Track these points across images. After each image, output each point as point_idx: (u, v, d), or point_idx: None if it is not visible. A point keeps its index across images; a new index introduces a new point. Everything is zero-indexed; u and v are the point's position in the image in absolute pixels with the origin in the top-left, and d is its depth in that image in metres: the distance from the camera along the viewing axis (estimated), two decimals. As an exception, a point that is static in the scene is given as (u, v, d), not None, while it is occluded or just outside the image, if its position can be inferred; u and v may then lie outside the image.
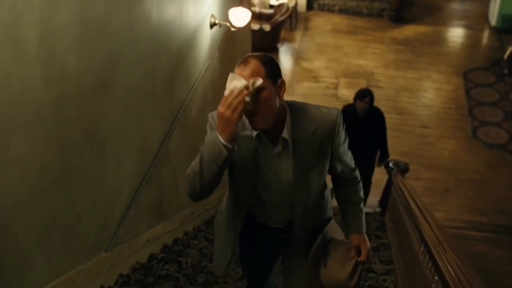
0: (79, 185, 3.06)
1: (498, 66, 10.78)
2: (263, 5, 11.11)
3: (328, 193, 2.50)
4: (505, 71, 10.56)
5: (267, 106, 2.01)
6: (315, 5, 12.97)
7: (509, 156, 8.67)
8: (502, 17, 11.86)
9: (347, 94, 9.64)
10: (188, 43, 4.84)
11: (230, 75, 1.99)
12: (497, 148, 8.81)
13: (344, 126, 2.26)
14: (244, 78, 1.97)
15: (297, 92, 9.60)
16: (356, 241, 2.42)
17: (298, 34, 11.94)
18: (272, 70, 2.04)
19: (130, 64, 3.57)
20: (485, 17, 12.61)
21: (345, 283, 2.35)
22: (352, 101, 5.98)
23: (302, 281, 2.55)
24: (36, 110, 2.54)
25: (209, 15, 5.40)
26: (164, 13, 4.09)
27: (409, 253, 3.99)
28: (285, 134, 2.15)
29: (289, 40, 11.65)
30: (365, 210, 2.58)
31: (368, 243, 2.43)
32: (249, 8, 6.94)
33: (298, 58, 11.00)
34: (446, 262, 2.75)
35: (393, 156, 6.55)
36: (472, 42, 12.05)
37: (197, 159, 2.04)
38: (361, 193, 2.50)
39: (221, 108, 1.91)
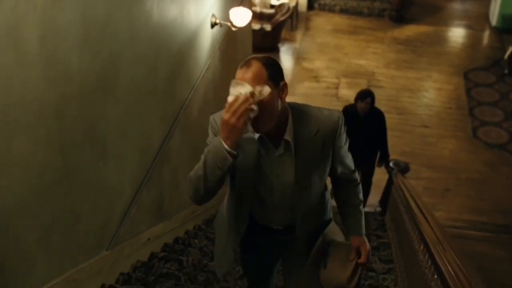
0: (80, 185, 3.07)
1: (499, 66, 10.80)
2: (264, 5, 11.12)
3: (328, 194, 2.50)
4: (506, 71, 10.57)
5: (269, 109, 2.00)
6: (316, 5, 12.98)
7: (509, 156, 8.68)
8: (503, 17, 11.87)
9: (348, 94, 9.66)
10: (189, 43, 4.86)
11: (233, 81, 1.98)
12: (497, 148, 8.82)
13: (346, 128, 2.26)
14: (246, 80, 1.97)
15: (298, 92, 9.61)
16: (356, 243, 2.43)
17: (299, 34, 11.95)
18: (274, 73, 2.03)
19: (131, 64, 3.58)
20: (485, 17, 12.62)
21: (345, 285, 2.36)
22: (353, 101, 5.99)
23: (303, 282, 2.56)
24: (37, 110, 2.55)
25: (210, 14, 5.41)
26: (165, 12, 4.10)
27: (409, 252, 4.00)
28: (287, 136, 2.14)
29: (290, 40, 11.66)
30: (366, 209, 2.59)
31: (368, 245, 2.44)
32: (250, 8, 6.95)
33: (299, 58, 11.01)
34: (445, 261, 2.76)
35: (393, 155, 6.56)
36: (472, 42, 12.06)
37: (200, 163, 2.03)
38: (361, 195, 2.50)
39: (226, 115, 1.90)
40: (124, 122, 3.56)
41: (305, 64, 10.74)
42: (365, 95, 5.86)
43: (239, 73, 2.03)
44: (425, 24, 12.44)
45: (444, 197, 7.78)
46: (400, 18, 12.45)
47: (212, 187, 2.05)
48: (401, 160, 6.41)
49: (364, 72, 10.69)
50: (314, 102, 2.31)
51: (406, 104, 9.84)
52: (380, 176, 6.58)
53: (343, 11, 12.83)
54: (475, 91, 10.17)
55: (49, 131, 2.68)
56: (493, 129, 9.22)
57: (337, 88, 10.15)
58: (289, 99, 2.17)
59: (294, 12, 11.73)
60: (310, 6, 12.90)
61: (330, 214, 2.55)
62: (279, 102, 2.05)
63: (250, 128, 2.02)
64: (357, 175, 2.47)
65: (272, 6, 11.25)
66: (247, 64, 2.03)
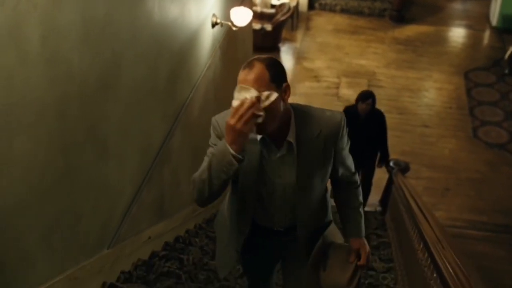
0: (81, 184, 3.08)
1: (499, 66, 10.81)
2: (265, 5, 11.14)
3: (328, 196, 2.51)
4: (506, 71, 10.59)
5: (271, 111, 1.99)
6: (316, 4, 13.00)
7: (509, 156, 8.69)
8: (503, 17, 11.88)
9: (349, 93, 9.68)
10: (190, 43, 4.87)
11: (238, 85, 1.97)
12: (497, 147, 8.83)
13: (348, 129, 2.26)
14: (249, 82, 1.96)
15: (298, 91, 9.63)
16: (355, 245, 2.43)
17: (299, 34, 11.97)
18: (277, 74, 2.02)
19: (132, 63, 3.59)
20: (486, 17, 12.63)
21: (345, 286, 2.36)
22: (353, 102, 5.99)
23: (302, 283, 2.56)
24: (38, 110, 2.55)
25: (211, 14, 5.43)
26: (166, 12, 4.12)
27: (409, 251, 4.02)
28: (290, 137, 2.14)
29: (291, 39, 11.68)
30: (366, 209, 2.59)
31: (367, 247, 2.44)
32: (251, 8, 6.97)
33: (299, 57, 11.02)
34: (444, 259, 2.78)
35: (394, 155, 6.58)
36: (473, 42, 12.07)
37: (204, 167, 2.03)
38: (361, 198, 2.50)
39: (232, 120, 1.89)
40: (125, 122, 3.57)
41: (306, 64, 10.75)
42: (366, 96, 5.85)
43: (242, 74, 2.01)
44: (426, 24, 12.46)
45: (444, 197, 7.80)
46: (400, 18, 12.47)
47: (216, 190, 2.05)
48: (401, 160, 6.43)
49: (364, 72, 10.70)
50: (314, 102, 2.32)
51: (407, 104, 9.86)
52: (380, 175, 6.59)
53: (344, 11, 12.85)
54: (476, 91, 10.18)
55: (50, 130, 2.68)
56: (493, 129, 9.24)
57: (337, 87, 10.17)
58: (289, 99, 2.16)
59: (294, 12, 11.74)
60: (310, 6, 12.92)
61: (330, 215, 2.55)
62: (282, 103, 2.04)
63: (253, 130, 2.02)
64: (357, 178, 2.48)
65: (272, 6, 11.27)
66: (249, 65, 2.01)
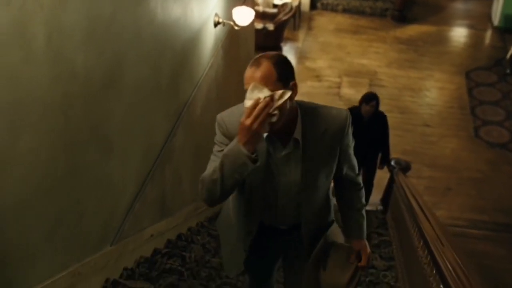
0: (85, 182, 3.10)
1: (501, 65, 10.83)
2: (267, 5, 11.16)
3: (331, 195, 2.49)
4: (507, 71, 10.60)
5: (280, 109, 1.97)
6: (318, 4, 13.02)
7: (510, 155, 8.71)
8: (505, 17, 11.88)
9: (350, 93, 9.72)
10: (192, 42, 4.90)
11: (252, 85, 1.93)
12: (498, 147, 8.85)
13: (352, 128, 2.26)
14: (255, 80, 1.94)
15: (300, 91, 9.33)
16: (357, 246, 2.45)
17: (301, 34, 11.99)
18: (284, 73, 2.00)
19: (135, 63, 3.62)
20: (488, 17, 12.64)
21: (344, 287, 2.37)
22: (355, 101, 5.99)
23: (303, 283, 2.56)
24: (43, 109, 2.57)
25: (213, 14, 5.45)
26: (168, 12, 4.14)
27: (409, 249, 4.05)
28: (297, 134, 2.13)
29: (293, 39, 11.70)
30: (367, 208, 2.60)
31: (368, 249, 2.45)
32: (253, 7, 7.00)
33: (301, 57, 11.04)
34: (444, 256, 2.81)
35: (395, 154, 6.60)
36: (474, 41, 12.09)
37: (215, 167, 2.00)
38: (363, 199, 2.49)
39: (248, 121, 1.87)
40: (128, 121, 3.60)
41: (308, 64, 10.78)
42: (370, 98, 5.85)
43: (249, 72, 1.99)
44: (427, 23, 12.47)
45: (446, 196, 7.82)
46: (402, 17, 12.48)
47: (228, 189, 2.05)
48: (402, 159, 6.46)
49: (366, 71, 10.73)
50: (316, 101, 2.34)
51: (408, 103, 9.88)
52: (381, 175, 6.61)
53: (346, 10, 12.87)
54: (477, 90, 10.20)
55: (54, 129, 2.70)
56: (494, 128, 9.25)
57: (339, 87, 10.19)
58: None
59: (296, 12, 11.76)
60: (312, 6, 12.93)
61: (333, 214, 2.54)
62: (288, 102, 2.01)
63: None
64: (360, 179, 2.47)
65: (275, 6, 11.29)
66: (256, 63, 1.99)
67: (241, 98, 2.19)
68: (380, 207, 6.88)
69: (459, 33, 12.43)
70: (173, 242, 4.62)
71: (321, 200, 2.37)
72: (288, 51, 11.31)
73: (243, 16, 5.77)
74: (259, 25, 10.24)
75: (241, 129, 1.90)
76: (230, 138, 2.08)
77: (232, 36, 6.44)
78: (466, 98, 10.00)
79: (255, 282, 2.89)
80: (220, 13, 5.61)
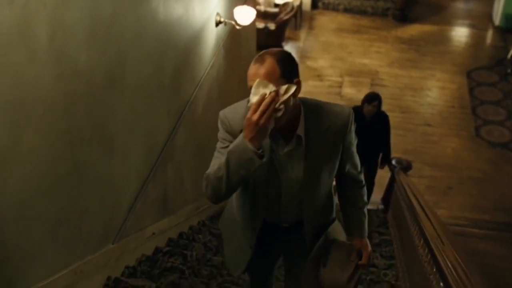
0: (87, 180, 3.12)
1: (502, 65, 10.82)
2: (268, 4, 11.17)
3: (333, 193, 2.49)
4: (509, 70, 10.60)
5: (285, 105, 1.96)
6: (320, 4, 13.03)
7: (511, 155, 8.71)
8: (506, 16, 11.88)
9: (351, 92, 9.73)
10: (194, 41, 4.92)
11: (257, 81, 1.92)
12: (500, 146, 8.86)
13: (355, 125, 2.26)
14: (259, 77, 1.93)
15: (301, 90, 9.63)
16: (358, 244, 2.44)
17: (302, 33, 12.00)
18: (288, 69, 2.00)
19: (138, 62, 3.64)
20: (489, 16, 12.64)
21: (345, 285, 2.36)
22: (356, 101, 5.98)
23: (303, 280, 2.55)
24: (46, 107, 2.59)
25: (215, 13, 5.47)
26: (170, 11, 4.16)
27: (410, 248, 4.06)
28: (300, 131, 2.13)
29: (294, 38, 11.71)
30: (368, 207, 2.59)
31: (369, 247, 2.45)
32: (254, 7, 7.01)
33: (302, 56, 11.05)
34: (444, 255, 2.83)
35: (396, 154, 6.60)
36: (476, 41, 12.09)
37: (221, 164, 1.99)
38: (365, 198, 2.49)
39: (255, 116, 1.86)
40: (130, 119, 3.62)
41: (309, 63, 10.78)
42: (373, 98, 5.84)
43: (252, 68, 1.99)
44: (429, 23, 12.47)
45: (447, 195, 7.83)
46: (403, 17, 12.49)
47: (234, 186, 2.04)
48: (403, 158, 6.47)
49: (367, 71, 10.73)
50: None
51: (409, 103, 9.89)
52: (382, 174, 6.62)
53: (347, 10, 12.87)
54: (478, 90, 10.20)
55: (57, 127, 2.72)
56: (496, 128, 9.26)
57: (340, 86, 10.20)
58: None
59: (298, 11, 11.77)
60: (314, 5, 12.94)
61: (334, 212, 2.54)
62: (292, 98, 2.01)
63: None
64: (362, 177, 2.47)
65: (276, 5, 11.29)
66: (260, 60, 1.99)
67: (242, 97, 2.20)
68: (381, 206, 6.90)
69: (460, 33, 12.43)
70: (174, 241, 4.64)
71: (324, 197, 2.37)
72: (290, 51, 11.26)
73: (245, 15, 5.78)
74: (260, 25, 10.25)
75: (248, 124, 1.88)
76: (233, 134, 2.08)
77: (234, 36, 6.45)
78: (467, 98, 10.00)
79: (256, 280, 2.88)
80: (221, 12, 5.63)
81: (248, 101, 1.97)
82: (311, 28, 12.26)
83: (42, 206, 2.70)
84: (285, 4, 11.30)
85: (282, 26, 10.98)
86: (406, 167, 6.24)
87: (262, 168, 2.10)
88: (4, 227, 2.44)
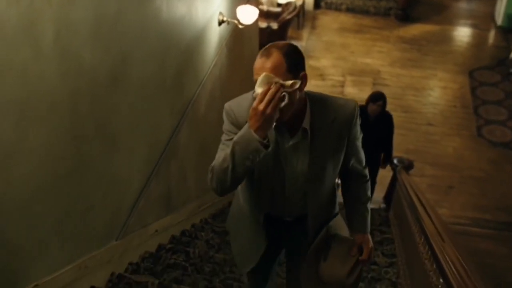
0: (91, 176, 3.15)
1: (504, 65, 10.84)
2: (271, 4, 11.20)
3: (336, 188, 2.49)
4: (511, 70, 10.62)
5: (290, 98, 1.98)
6: (322, 3, 13.05)
7: (513, 155, 8.75)
8: (508, 16, 11.90)
9: (354, 92, 9.76)
10: (197, 40, 4.94)
11: (263, 75, 1.94)
12: (501, 146, 8.88)
13: (360, 119, 2.27)
14: (265, 70, 1.94)
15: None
16: (359, 240, 2.43)
17: (305, 33, 12.02)
18: (294, 63, 2.01)
19: (141, 60, 3.66)
20: (491, 16, 12.65)
21: (344, 279, 2.36)
22: (358, 100, 5.97)
23: (302, 273, 2.51)
24: (51, 104, 2.62)
25: (218, 12, 5.49)
26: (173, 10, 4.19)
27: (411, 246, 4.09)
28: (305, 124, 2.14)
29: (296, 38, 11.73)
30: (370, 206, 2.59)
31: (371, 243, 2.44)
32: (257, 6, 7.03)
33: (305, 56, 10.75)
34: (444, 252, 2.85)
35: (398, 153, 6.63)
36: (478, 41, 12.10)
37: (226, 155, 2.00)
38: (369, 193, 2.48)
39: (261, 106, 1.88)
40: (134, 117, 3.64)
41: (311, 62, 10.80)
42: (377, 98, 5.84)
43: (259, 62, 1.99)
44: (431, 23, 12.49)
45: (448, 195, 7.85)
46: (406, 17, 12.51)
47: (239, 177, 2.04)
48: (405, 157, 6.49)
49: (369, 70, 10.76)
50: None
51: (411, 103, 9.91)
52: (384, 173, 6.65)
53: (350, 10, 12.89)
54: (480, 90, 10.22)
55: (62, 123, 2.75)
56: (497, 128, 9.28)
57: (342, 86, 10.23)
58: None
59: (300, 11, 11.79)
60: (316, 5, 12.97)
61: (337, 208, 2.54)
62: (298, 92, 2.03)
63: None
64: (367, 172, 2.46)
65: (279, 5, 11.32)
66: (267, 53, 1.99)
67: (244, 97, 2.22)
68: (383, 205, 6.92)
69: (462, 33, 12.45)
70: (177, 238, 4.67)
71: (328, 191, 2.37)
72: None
73: (247, 14, 5.81)
74: (263, 24, 10.27)
75: (254, 114, 1.90)
76: (238, 126, 2.08)
77: (236, 35, 6.48)
78: (469, 98, 10.02)
79: (257, 276, 2.83)
80: (224, 11, 5.65)
81: (253, 92, 1.98)
82: (313, 27, 12.29)
83: (47, 202, 2.73)
84: (288, 4, 11.32)
85: (284, 26, 11.00)
86: (407, 166, 6.26)
87: (267, 160, 2.13)
88: (9, 222, 2.48)
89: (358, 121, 2.25)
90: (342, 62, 11.00)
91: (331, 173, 2.29)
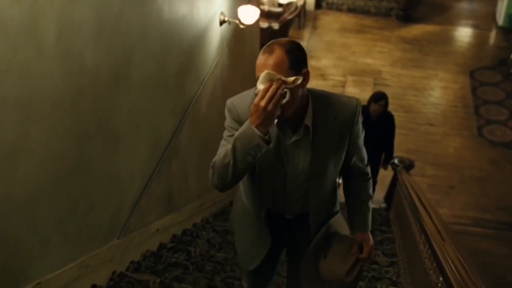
0: (93, 175, 3.17)
1: (505, 65, 10.84)
2: (272, 4, 11.20)
3: (337, 187, 2.49)
4: (511, 71, 10.62)
5: (292, 94, 1.98)
6: (323, 4, 13.07)
7: (514, 155, 8.76)
8: (509, 17, 11.91)
9: (355, 92, 9.76)
10: (198, 40, 4.96)
11: (265, 73, 1.95)
12: (502, 146, 8.88)
13: (362, 117, 2.27)
14: (268, 67, 1.95)
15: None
16: (359, 238, 2.43)
17: (306, 33, 12.03)
18: (297, 60, 2.01)
19: (143, 59, 3.68)
20: (492, 16, 12.66)
21: (343, 278, 2.35)
22: (363, 102, 5.98)
23: (302, 270, 2.49)
24: (54, 103, 2.63)
25: (219, 12, 5.51)
26: (175, 10, 4.20)
27: (411, 245, 4.10)
28: (308, 121, 2.14)
29: (297, 38, 11.72)
30: (372, 206, 2.58)
31: (371, 241, 2.43)
32: (258, 6, 7.05)
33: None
34: (443, 250, 2.87)
35: (399, 153, 6.64)
36: (479, 41, 12.11)
37: (227, 150, 2.01)
38: (370, 191, 2.48)
39: (262, 102, 1.88)
40: (135, 115, 3.66)
41: (312, 62, 10.81)
42: (379, 98, 5.82)
43: (261, 59, 2.00)
44: (432, 23, 12.50)
45: (449, 195, 7.86)
46: (407, 17, 12.51)
47: (240, 173, 2.05)
48: (405, 157, 6.50)
49: (370, 70, 10.77)
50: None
51: (412, 103, 9.92)
52: (385, 172, 6.66)
53: (351, 10, 12.91)
54: (481, 90, 10.23)
55: (64, 122, 2.76)
56: (498, 128, 9.28)
57: (343, 86, 10.24)
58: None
59: (302, 11, 11.81)
60: (317, 5, 12.98)
61: (338, 206, 2.54)
62: (300, 89, 2.04)
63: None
64: (369, 170, 2.46)
65: (280, 5, 11.32)
66: (269, 50, 1.99)
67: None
68: (383, 205, 6.93)
69: (463, 33, 12.46)
70: (178, 237, 4.68)
71: (329, 188, 2.36)
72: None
73: (248, 14, 5.82)
74: (264, 24, 10.28)
75: (255, 111, 1.91)
76: (240, 123, 2.08)
77: (238, 35, 6.49)
78: (470, 98, 10.03)
79: (257, 277, 2.82)
80: (225, 11, 5.67)
81: (255, 89, 1.99)
82: (314, 27, 12.30)
83: (49, 200, 2.74)
84: (289, 4, 11.33)
85: (285, 26, 11.01)
86: (408, 166, 6.27)
87: (268, 157, 2.13)
88: (12, 220, 2.49)
89: (360, 119, 2.25)
90: (343, 62, 11.01)
91: (333, 171, 2.29)
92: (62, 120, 2.75)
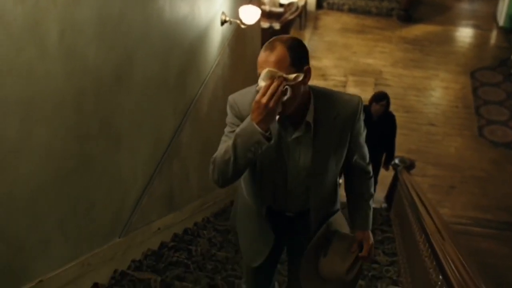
0: (95, 174, 3.18)
1: (506, 65, 10.85)
2: (273, 4, 11.20)
3: (338, 185, 2.48)
4: (512, 71, 10.65)
5: (293, 91, 1.99)
6: (324, 4, 13.07)
7: (514, 155, 8.76)
8: (510, 17, 11.91)
9: (355, 92, 9.64)
10: (199, 40, 4.97)
11: (266, 70, 1.96)
12: (503, 146, 8.89)
13: (364, 115, 2.27)
14: (269, 64, 1.96)
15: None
16: (359, 236, 2.43)
17: (307, 33, 12.04)
18: (298, 57, 2.01)
19: (144, 59, 3.69)
20: (493, 17, 12.66)
21: (343, 276, 2.35)
22: (364, 102, 5.97)
23: (301, 268, 2.49)
24: (56, 103, 2.65)
25: (220, 12, 5.52)
26: (176, 10, 4.21)
27: (412, 244, 4.11)
28: (309, 118, 2.14)
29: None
30: (372, 205, 2.58)
31: (371, 240, 2.43)
32: (259, 6, 7.06)
33: (307, 56, 11.06)
34: (443, 249, 2.88)
35: (400, 153, 6.64)
36: (480, 41, 12.12)
37: (228, 147, 2.02)
38: (372, 189, 2.48)
39: (264, 99, 1.89)
40: (137, 115, 3.68)
41: (313, 63, 10.80)
42: (381, 98, 5.82)
43: (262, 56, 2.00)
44: (433, 23, 12.50)
45: (449, 195, 7.87)
46: (408, 17, 12.52)
47: (240, 169, 2.05)
48: (406, 157, 6.51)
49: (371, 70, 10.77)
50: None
51: (413, 103, 9.92)
52: (386, 172, 6.66)
53: (352, 10, 12.92)
54: (482, 90, 10.23)
55: (66, 122, 2.77)
56: (499, 128, 9.29)
57: (344, 86, 10.25)
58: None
59: (303, 11, 11.81)
60: (318, 5, 12.99)
61: (338, 204, 2.53)
62: (301, 86, 2.04)
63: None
64: (370, 168, 2.45)
65: (281, 5, 11.31)
66: (271, 47, 2.00)
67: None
68: (384, 205, 6.94)
69: (464, 33, 12.46)
70: (179, 236, 4.70)
71: (330, 186, 2.36)
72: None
73: (250, 14, 5.83)
74: (265, 24, 10.28)
75: (256, 107, 1.92)
76: (241, 119, 2.09)
77: (239, 35, 6.50)
78: (470, 98, 10.04)
79: (258, 277, 2.81)
80: (226, 11, 5.68)
81: (257, 86, 2.00)
82: (315, 28, 12.31)
83: (50, 199, 2.76)
84: (290, 4, 11.33)
85: (287, 26, 11.01)
86: (409, 166, 6.28)
87: (269, 153, 2.14)
88: (13, 219, 2.50)
89: (362, 117, 2.26)
90: (344, 62, 11.02)
91: (334, 168, 2.29)
92: (64, 119, 2.76)
